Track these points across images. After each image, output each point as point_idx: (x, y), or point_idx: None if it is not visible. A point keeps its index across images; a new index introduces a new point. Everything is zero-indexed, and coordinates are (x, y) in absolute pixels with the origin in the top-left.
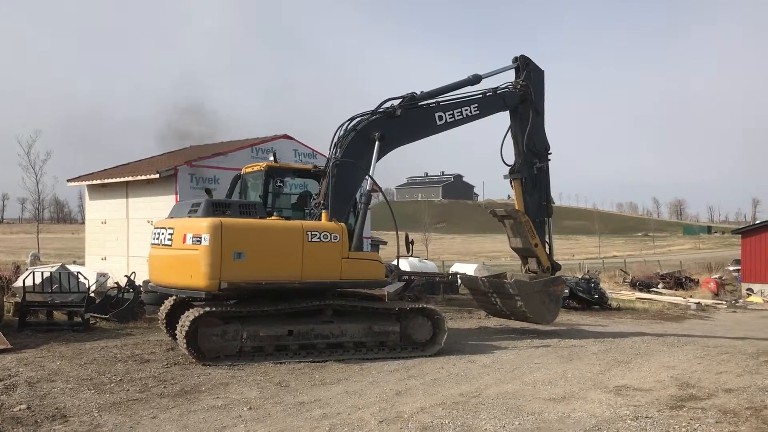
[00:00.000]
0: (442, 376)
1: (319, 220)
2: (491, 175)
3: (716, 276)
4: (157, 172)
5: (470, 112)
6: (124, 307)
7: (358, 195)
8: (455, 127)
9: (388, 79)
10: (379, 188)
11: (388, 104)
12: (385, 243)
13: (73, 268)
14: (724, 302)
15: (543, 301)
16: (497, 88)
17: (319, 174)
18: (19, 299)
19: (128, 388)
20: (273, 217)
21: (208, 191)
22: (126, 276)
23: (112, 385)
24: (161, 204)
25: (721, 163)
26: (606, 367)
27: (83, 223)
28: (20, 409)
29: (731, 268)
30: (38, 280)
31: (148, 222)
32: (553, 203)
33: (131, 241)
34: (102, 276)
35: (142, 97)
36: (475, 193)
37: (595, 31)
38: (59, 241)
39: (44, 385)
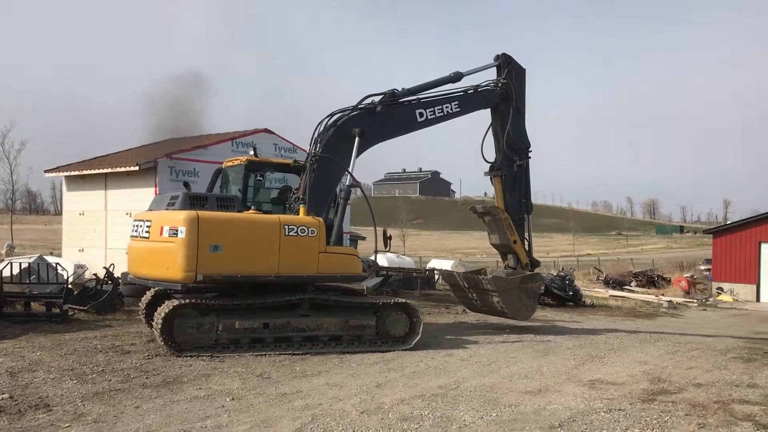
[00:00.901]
0: (421, 369)
1: (297, 214)
2: (468, 173)
3: (688, 275)
4: (137, 165)
5: (451, 109)
6: (102, 298)
7: (337, 190)
8: (436, 124)
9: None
10: (358, 183)
11: (368, 100)
12: (363, 238)
13: (50, 259)
14: (695, 300)
15: (520, 297)
16: (478, 85)
17: (299, 169)
18: None
19: (110, 378)
20: (251, 211)
21: (186, 184)
22: (105, 268)
23: (94, 375)
24: (141, 196)
25: (695, 164)
26: (580, 362)
27: (56, 214)
28: (2, 399)
29: (702, 267)
30: (15, 271)
31: (127, 214)
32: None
33: (109, 233)
34: (80, 267)
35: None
36: (452, 190)
37: (571, 31)
38: (32, 232)
39: (25, 375)
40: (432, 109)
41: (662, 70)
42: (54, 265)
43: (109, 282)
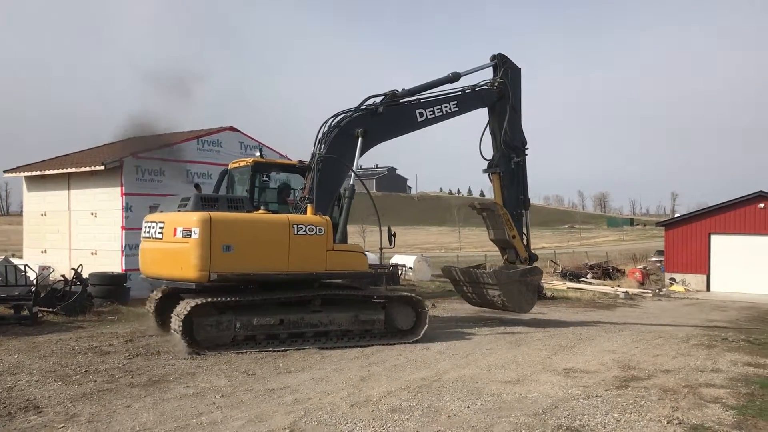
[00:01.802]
0: (401, 362)
1: (305, 213)
2: (425, 168)
3: (641, 266)
4: (103, 164)
5: (449, 109)
6: (72, 300)
7: (342, 189)
8: (435, 124)
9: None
10: (363, 183)
11: (370, 101)
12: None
13: (16, 261)
14: (649, 291)
15: (520, 290)
16: (476, 85)
17: (304, 169)
18: None
19: (95, 379)
20: (260, 211)
21: (198, 186)
22: (73, 269)
23: (78, 376)
24: (106, 196)
25: (643, 157)
26: (552, 352)
27: (8, 214)
28: None
29: (654, 259)
30: None
31: (92, 214)
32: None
33: (73, 234)
34: (45, 269)
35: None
36: (409, 186)
37: (520, 26)
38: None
39: (8, 378)
40: (431, 108)
41: (610, 66)
42: (23, 267)
43: (78, 283)
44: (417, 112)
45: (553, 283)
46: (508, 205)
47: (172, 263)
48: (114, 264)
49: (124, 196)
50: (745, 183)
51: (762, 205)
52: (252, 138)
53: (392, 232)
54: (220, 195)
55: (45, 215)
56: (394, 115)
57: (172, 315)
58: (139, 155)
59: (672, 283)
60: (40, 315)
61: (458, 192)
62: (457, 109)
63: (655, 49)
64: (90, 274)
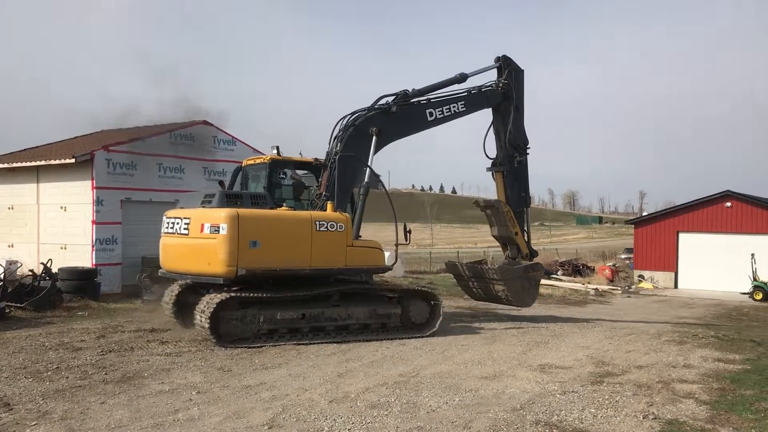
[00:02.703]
0: (378, 358)
1: (323, 210)
2: (396, 165)
3: (610, 263)
4: (73, 157)
5: (457, 108)
6: (41, 295)
7: (357, 186)
8: (443, 123)
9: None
10: (380, 180)
11: (383, 101)
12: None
13: None
14: (618, 288)
15: (524, 285)
16: (482, 86)
17: (320, 167)
18: None
19: (67, 375)
20: (282, 208)
21: (222, 183)
22: (42, 263)
23: (50, 373)
24: (77, 189)
25: (612, 156)
26: (527, 348)
27: None
28: None
29: (623, 256)
30: None
31: (62, 208)
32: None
33: (42, 228)
34: (12, 264)
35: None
36: (380, 182)
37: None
38: None
39: None
40: (440, 108)
41: (582, 65)
42: None
43: (47, 278)
44: (427, 111)
45: None
46: (511, 202)
47: (199, 258)
48: (84, 259)
49: (95, 190)
50: (712, 182)
51: (728, 204)
52: (226, 132)
53: (408, 229)
54: (243, 192)
55: (12, 209)
56: (406, 114)
57: (195, 309)
58: (110, 148)
59: (641, 281)
60: (7, 310)
61: (430, 189)
62: (464, 109)
63: (628, 49)
64: (59, 269)
